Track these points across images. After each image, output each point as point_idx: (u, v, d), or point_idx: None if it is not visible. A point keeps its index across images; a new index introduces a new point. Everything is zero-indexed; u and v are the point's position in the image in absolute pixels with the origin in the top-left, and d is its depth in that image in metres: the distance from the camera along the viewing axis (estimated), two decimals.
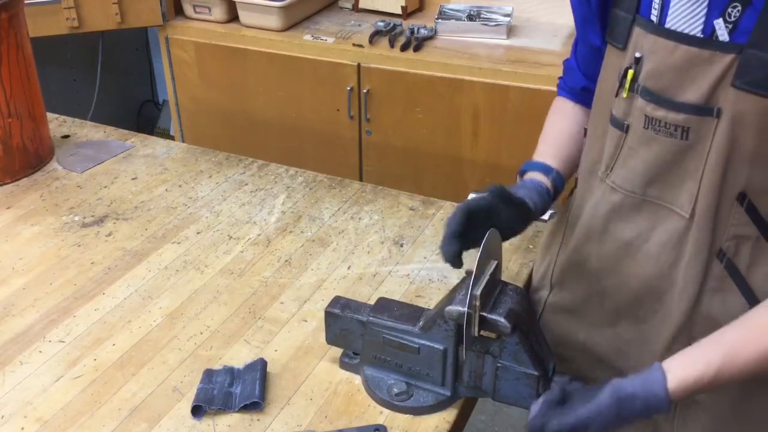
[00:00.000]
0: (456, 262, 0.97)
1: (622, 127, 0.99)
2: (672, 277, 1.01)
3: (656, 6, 0.92)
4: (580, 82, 1.17)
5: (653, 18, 0.92)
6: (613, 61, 1.00)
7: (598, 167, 1.06)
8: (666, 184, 0.97)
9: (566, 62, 1.20)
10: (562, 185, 1.13)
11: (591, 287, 1.12)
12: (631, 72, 0.95)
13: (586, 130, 1.13)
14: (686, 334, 1.02)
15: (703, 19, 0.88)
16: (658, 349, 1.05)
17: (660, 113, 0.93)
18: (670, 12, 0.91)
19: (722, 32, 0.86)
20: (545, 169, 1.12)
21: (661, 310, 1.04)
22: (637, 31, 0.94)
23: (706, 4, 0.87)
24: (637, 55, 0.94)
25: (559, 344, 1.16)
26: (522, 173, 1.14)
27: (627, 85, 0.96)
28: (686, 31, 0.89)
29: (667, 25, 0.91)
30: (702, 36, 0.88)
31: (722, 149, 0.90)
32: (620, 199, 1.02)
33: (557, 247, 1.19)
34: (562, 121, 1.19)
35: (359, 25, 2.63)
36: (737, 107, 0.87)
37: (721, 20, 0.86)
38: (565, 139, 1.17)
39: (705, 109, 0.89)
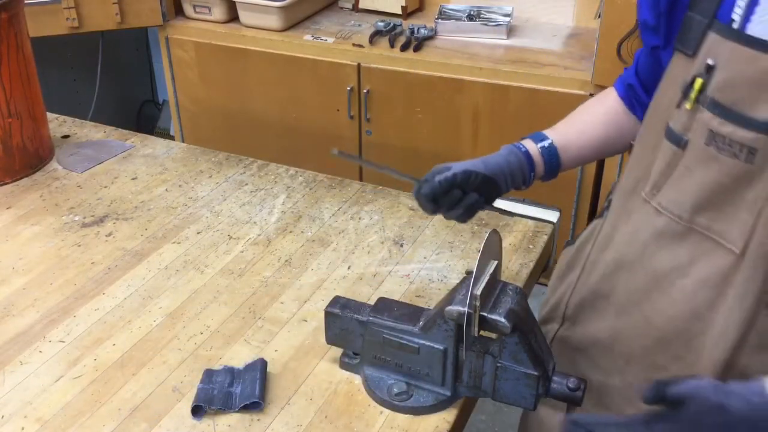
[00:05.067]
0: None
1: (680, 142, 0.88)
2: (707, 321, 0.90)
3: (739, 10, 0.82)
4: (630, 77, 1.10)
5: (734, 23, 0.82)
6: (678, 70, 0.90)
7: (642, 186, 0.96)
8: (718, 212, 0.87)
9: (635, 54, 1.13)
10: (553, 158, 1.08)
11: (607, 325, 1.02)
12: (699, 81, 0.84)
13: (631, 145, 1.05)
14: None
15: None
16: None
17: (727, 129, 0.82)
18: (754, 18, 0.80)
19: None
20: (538, 137, 1.08)
21: (687, 357, 0.93)
22: (713, 37, 0.84)
23: None
24: (710, 62, 0.83)
25: None
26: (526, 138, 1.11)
27: (693, 96, 0.85)
28: None
29: (748, 32, 0.81)
30: None
31: None
32: (664, 224, 0.92)
33: (576, 276, 1.09)
34: (593, 105, 1.13)
35: (359, 25, 2.63)
36: None
37: None
38: (581, 118, 1.12)
39: None
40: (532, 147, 1.08)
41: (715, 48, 0.84)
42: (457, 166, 1.03)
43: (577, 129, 1.12)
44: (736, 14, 0.82)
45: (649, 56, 1.02)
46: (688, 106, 0.86)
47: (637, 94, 1.09)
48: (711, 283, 0.89)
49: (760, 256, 0.83)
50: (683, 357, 0.93)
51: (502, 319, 0.94)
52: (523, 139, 1.11)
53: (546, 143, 1.08)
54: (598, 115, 1.12)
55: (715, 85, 0.83)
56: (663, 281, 0.93)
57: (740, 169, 0.83)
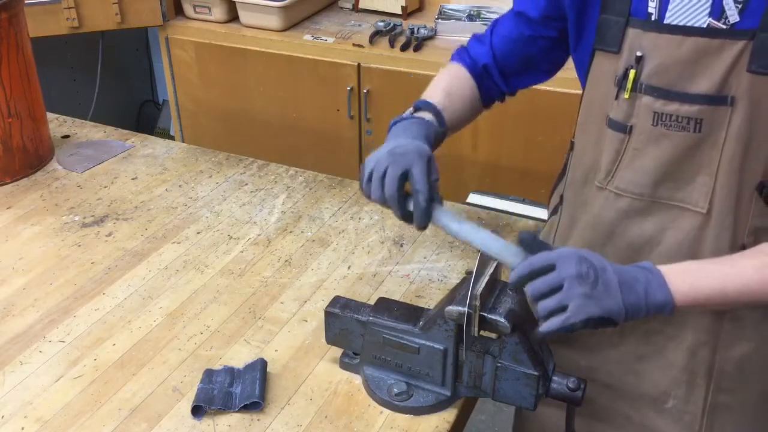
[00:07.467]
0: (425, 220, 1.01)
1: (625, 129, 0.97)
2: None
3: (653, 5, 0.92)
4: (485, 57, 1.14)
5: (652, 17, 0.92)
6: (605, 67, 0.99)
7: (593, 176, 1.04)
8: (677, 181, 0.96)
9: (477, 35, 1.18)
10: (442, 139, 1.12)
11: None
12: (632, 72, 0.94)
13: (572, 143, 1.10)
14: (712, 341, 0.98)
15: (707, 11, 0.88)
16: (680, 359, 1.01)
17: (671, 107, 0.92)
18: (670, 8, 0.91)
19: (732, 13, 0.87)
20: (440, 119, 1.10)
21: (678, 316, 0.97)
22: (633, 32, 0.94)
23: None
24: (639, 53, 0.93)
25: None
26: (417, 108, 1.11)
27: (629, 86, 0.95)
28: (689, 24, 0.89)
29: (667, 21, 0.91)
30: (707, 26, 0.88)
31: (739, 138, 0.89)
32: (627, 204, 1.00)
33: None
34: (459, 83, 1.16)
35: (359, 25, 2.63)
36: (754, 92, 0.87)
37: (731, 1, 0.87)
38: (457, 99, 1.14)
39: (718, 98, 0.89)
40: (439, 130, 1.10)
41: (637, 41, 0.94)
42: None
43: (453, 105, 1.14)
44: (652, 8, 0.93)
45: (518, 40, 1.10)
46: (626, 95, 0.96)
47: (491, 76, 1.16)
48: (686, 245, 0.97)
49: (725, 211, 0.93)
50: (675, 316, 0.97)
51: (502, 319, 0.94)
52: (419, 108, 1.11)
53: (445, 128, 1.10)
54: (465, 93, 1.16)
55: (648, 72, 0.93)
56: (639, 254, 1.00)
57: (691, 139, 0.93)
